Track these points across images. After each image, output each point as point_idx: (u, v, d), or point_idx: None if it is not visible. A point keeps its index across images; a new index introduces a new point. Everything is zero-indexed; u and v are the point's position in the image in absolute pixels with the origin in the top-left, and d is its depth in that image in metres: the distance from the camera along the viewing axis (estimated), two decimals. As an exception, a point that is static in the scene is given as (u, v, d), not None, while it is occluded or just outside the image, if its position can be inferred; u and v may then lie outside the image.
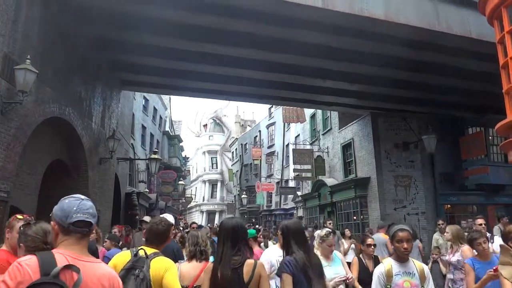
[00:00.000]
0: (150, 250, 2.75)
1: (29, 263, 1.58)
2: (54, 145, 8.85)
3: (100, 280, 1.71)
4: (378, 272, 3.16)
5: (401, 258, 3.10)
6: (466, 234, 5.22)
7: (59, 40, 7.87)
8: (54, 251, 1.68)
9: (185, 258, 3.91)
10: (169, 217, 4.43)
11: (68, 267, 1.61)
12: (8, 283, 1.54)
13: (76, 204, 1.75)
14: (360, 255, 5.00)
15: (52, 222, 1.78)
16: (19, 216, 2.95)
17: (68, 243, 1.72)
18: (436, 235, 8.36)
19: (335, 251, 4.13)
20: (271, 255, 3.95)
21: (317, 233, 4.20)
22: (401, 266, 3.09)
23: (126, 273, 2.53)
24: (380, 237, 7.26)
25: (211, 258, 3.31)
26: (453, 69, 10.71)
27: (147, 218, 4.59)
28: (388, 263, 3.13)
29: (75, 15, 8.35)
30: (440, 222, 8.73)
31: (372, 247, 4.95)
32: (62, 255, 1.65)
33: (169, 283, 2.57)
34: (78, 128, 9.05)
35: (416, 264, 3.14)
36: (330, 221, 10.36)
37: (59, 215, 1.74)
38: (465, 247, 5.29)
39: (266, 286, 2.60)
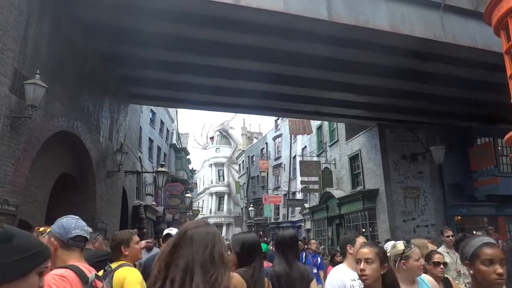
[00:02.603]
0: (117, 263, 3.00)
1: (70, 275, 1.86)
2: (62, 158, 8.91)
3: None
4: None
5: None
6: None
7: (68, 55, 7.98)
8: (77, 264, 1.95)
9: None
10: (174, 231, 4.38)
11: (97, 277, 1.96)
12: None
13: (73, 222, 2.06)
14: None
15: (51, 238, 2.03)
16: (41, 229, 3.04)
17: (75, 257, 2.00)
18: (442, 249, 5.24)
19: (424, 275, 3.01)
20: (343, 276, 3.03)
21: (391, 250, 2.86)
22: None
23: None
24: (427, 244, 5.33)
25: None
26: (459, 79, 10.66)
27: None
28: None
29: (84, 30, 8.49)
30: (449, 233, 5.69)
31: (442, 266, 3.50)
32: (83, 267, 1.96)
33: None
34: (86, 142, 9.11)
35: None
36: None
37: (58, 232, 2.01)
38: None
39: None
